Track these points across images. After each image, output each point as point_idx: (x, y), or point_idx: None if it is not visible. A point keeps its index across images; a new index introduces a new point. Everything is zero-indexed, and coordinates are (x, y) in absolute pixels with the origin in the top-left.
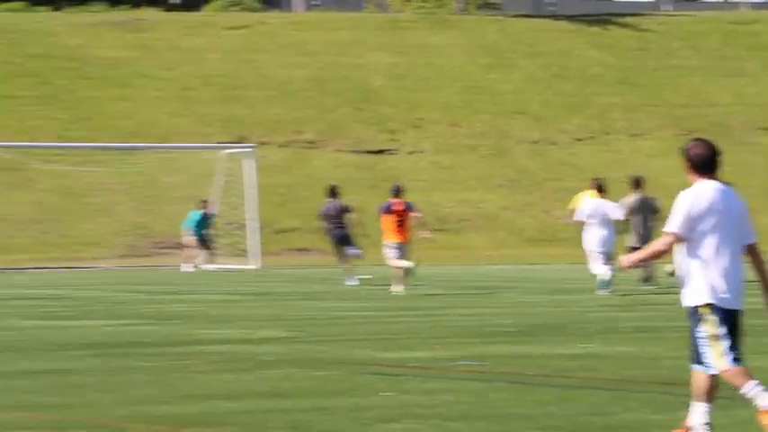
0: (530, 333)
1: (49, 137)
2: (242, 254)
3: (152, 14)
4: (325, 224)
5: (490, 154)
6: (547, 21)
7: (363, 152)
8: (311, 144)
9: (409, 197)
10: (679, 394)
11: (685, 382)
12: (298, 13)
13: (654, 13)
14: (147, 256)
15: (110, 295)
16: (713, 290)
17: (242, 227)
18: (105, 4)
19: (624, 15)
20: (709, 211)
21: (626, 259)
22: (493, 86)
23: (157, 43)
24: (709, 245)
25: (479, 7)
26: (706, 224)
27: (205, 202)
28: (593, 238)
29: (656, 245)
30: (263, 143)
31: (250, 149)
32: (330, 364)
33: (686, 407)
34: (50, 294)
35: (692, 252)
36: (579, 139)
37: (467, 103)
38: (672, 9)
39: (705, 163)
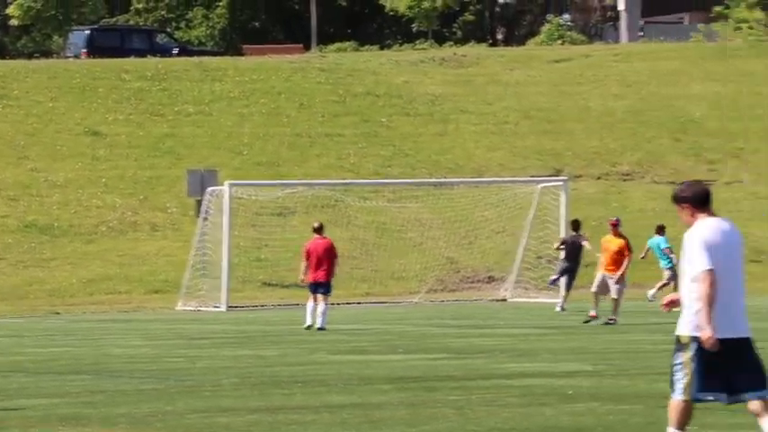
0: None
1: (367, 174)
2: (551, 288)
3: (476, 50)
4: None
5: None
6: None
7: (680, 183)
8: (627, 176)
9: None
10: None
11: None
12: (622, 44)
13: None
14: (455, 290)
15: (417, 330)
16: (716, 322)
17: (553, 260)
18: (431, 41)
19: None
20: (716, 245)
21: (706, 331)
22: None
23: (479, 78)
24: (719, 277)
25: None
26: (715, 258)
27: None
28: None
29: (704, 290)
30: (578, 176)
31: (561, 182)
32: (632, 398)
33: None
34: (359, 329)
35: (693, 284)
36: None
37: None
38: None
39: (704, 200)
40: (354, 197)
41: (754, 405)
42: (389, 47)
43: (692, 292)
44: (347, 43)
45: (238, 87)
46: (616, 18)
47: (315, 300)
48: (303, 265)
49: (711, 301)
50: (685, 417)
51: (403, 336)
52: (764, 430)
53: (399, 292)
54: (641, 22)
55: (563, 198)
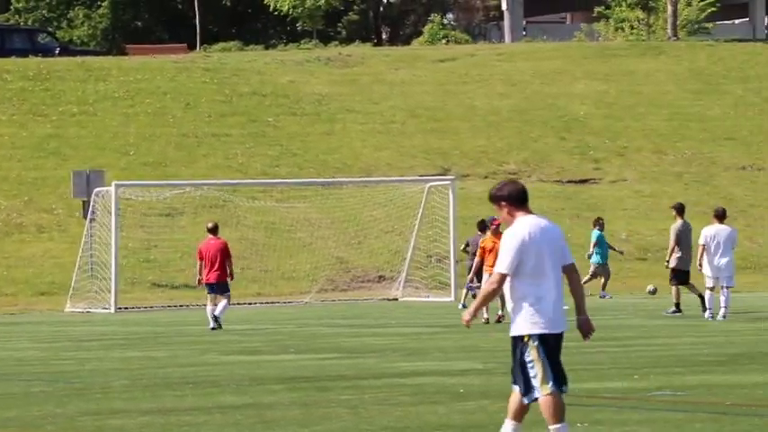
0: (731, 362)
1: (255, 174)
2: (442, 286)
3: (361, 50)
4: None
5: (695, 181)
6: (761, 44)
7: (566, 182)
8: (513, 175)
9: (612, 226)
10: None
11: None
12: (506, 43)
13: None
14: (345, 290)
15: (308, 330)
16: (540, 318)
17: (443, 259)
18: (316, 41)
19: None
20: (532, 243)
21: (467, 314)
22: (701, 113)
23: (364, 78)
24: (539, 274)
25: (691, 33)
26: (531, 256)
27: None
28: None
29: (488, 286)
30: (466, 175)
31: (449, 182)
32: None
33: None
34: (250, 329)
35: (518, 284)
36: None
37: (673, 130)
38: None
39: (522, 198)
40: (243, 197)
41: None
42: (274, 46)
43: (513, 290)
44: (232, 43)
45: (123, 87)
46: (499, 18)
47: (213, 301)
48: (198, 265)
49: (487, 301)
50: (559, 408)
51: (294, 336)
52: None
53: (290, 293)
54: (524, 22)
55: (451, 197)
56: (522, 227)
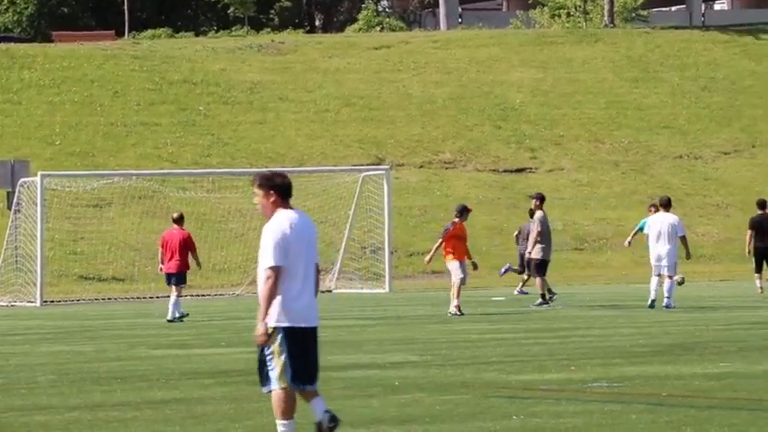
0: (667, 353)
1: (186, 163)
2: (376, 277)
3: (294, 37)
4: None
5: (632, 170)
6: (697, 32)
7: (502, 171)
8: (449, 164)
9: (549, 215)
10: None
11: None
12: (441, 31)
13: None
14: None
15: (240, 322)
16: (291, 312)
17: (377, 250)
18: (247, 28)
19: None
20: (294, 238)
21: (259, 328)
22: (638, 101)
23: (298, 66)
24: (294, 269)
25: (627, 20)
26: (293, 251)
27: None
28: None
29: (265, 284)
30: (401, 164)
31: (384, 171)
32: (460, 388)
33: None
34: (180, 323)
35: (281, 278)
36: (725, 153)
37: (610, 119)
38: None
39: (289, 192)
40: (172, 188)
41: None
42: (205, 33)
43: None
44: (161, 30)
45: (48, 75)
46: (435, 5)
47: (175, 291)
48: (159, 254)
49: (272, 297)
50: (289, 405)
51: (225, 329)
52: (316, 409)
53: (221, 285)
54: (460, 9)
55: (386, 187)
56: (283, 220)
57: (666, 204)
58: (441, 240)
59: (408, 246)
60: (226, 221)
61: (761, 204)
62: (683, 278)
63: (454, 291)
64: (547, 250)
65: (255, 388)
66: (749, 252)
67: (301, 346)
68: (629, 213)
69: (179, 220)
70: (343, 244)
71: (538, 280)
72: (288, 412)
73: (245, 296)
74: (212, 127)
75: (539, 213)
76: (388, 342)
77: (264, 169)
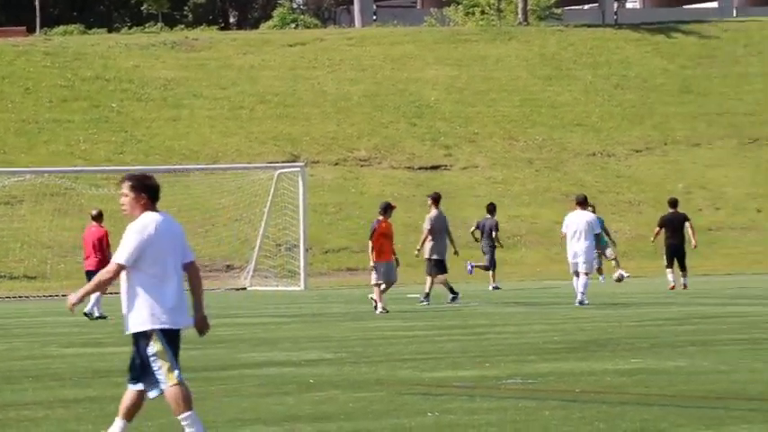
0: (580, 349)
1: (99, 161)
2: (291, 275)
3: (208, 34)
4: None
5: (546, 167)
6: (610, 30)
7: (417, 168)
8: (364, 161)
9: (463, 213)
10: (731, 408)
11: (738, 397)
12: (356, 28)
13: (719, 20)
14: None
15: None
16: (164, 314)
17: (292, 248)
18: (161, 25)
19: (689, 23)
20: (158, 240)
21: (72, 296)
22: (552, 98)
23: (212, 62)
24: (162, 272)
25: (541, 18)
26: (154, 252)
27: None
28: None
29: (103, 274)
30: (316, 162)
31: (299, 168)
32: (374, 386)
33: (739, 421)
34: (93, 321)
35: (138, 279)
36: (638, 151)
37: (524, 116)
38: (737, 15)
39: (158, 196)
40: (85, 185)
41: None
42: (118, 30)
43: (133, 284)
44: (73, 26)
45: None
46: (349, 2)
47: None
48: (83, 251)
49: (99, 288)
50: (187, 396)
51: None
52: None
53: None
54: (374, 7)
55: (301, 184)
56: (148, 221)
57: (583, 202)
58: (371, 240)
59: (323, 243)
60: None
61: (672, 203)
62: (622, 275)
63: (377, 292)
64: (438, 248)
65: None
66: (653, 241)
67: (176, 345)
68: (542, 211)
69: (97, 218)
70: (258, 241)
71: (440, 277)
72: (189, 403)
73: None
74: (126, 124)
75: (432, 212)
76: (302, 339)
77: (134, 169)
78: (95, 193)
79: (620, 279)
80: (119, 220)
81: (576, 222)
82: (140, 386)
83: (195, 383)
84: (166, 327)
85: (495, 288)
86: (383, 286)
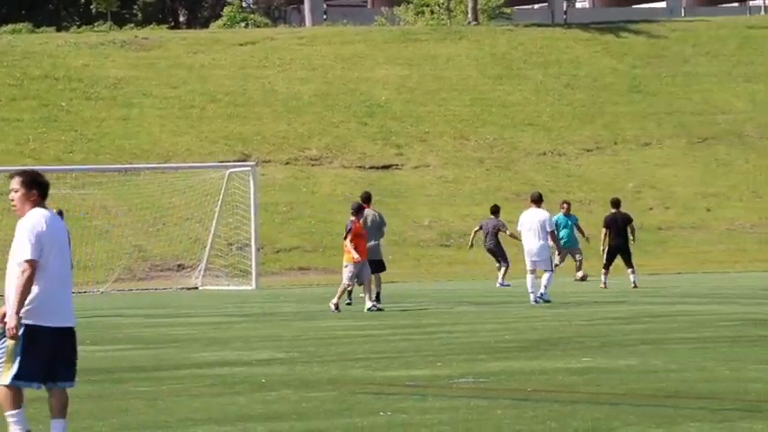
0: (532, 348)
1: (49, 160)
2: (243, 274)
3: (157, 33)
4: None
5: (497, 167)
6: (559, 30)
7: (368, 168)
8: (315, 160)
9: (415, 212)
10: (681, 407)
11: (687, 395)
12: (306, 28)
13: (668, 19)
14: (144, 279)
15: (105, 320)
16: (39, 310)
17: (243, 247)
18: (110, 23)
19: (638, 22)
20: (50, 236)
21: (10, 319)
22: (502, 98)
23: (162, 62)
24: (50, 267)
25: (491, 18)
26: (48, 249)
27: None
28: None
29: (22, 279)
30: (267, 161)
31: (250, 168)
32: (326, 385)
33: (688, 420)
34: None
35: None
36: (588, 150)
37: (475, 116)
38: (685, 15)
39: (47, 193)
40: None
41: (59, 394)
42: (67, 29)
43: (10, 277)
44: (21, 25)
45: None
46: (299, 1)
47: None
48: None
49: (28, 291)
50: (14, 401)
51: (90, 327)
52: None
53: (85, 282)
54: (324, 6)
55: (252, 184)
56: (40, 218)
57: (537, 200)
58: (349, 240)
59: (275, 242)
60: (90, 218)
61: (614, 203)
62: (586, 276)
63: (343, 290)
64: (372, 249)
65: (121, 386)
66: (603, 250)
67: (41, 346)
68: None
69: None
70: (209, 241)
71: (374, 276)
72: (10, 405)
73: (111, 293)
74: (75, 123)
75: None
76: (254, 339)
77: (27, 167)
78: None
79: (584, 279)
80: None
81: (530, 221)
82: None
83: (146, 383)
84: (39, 324)
85: (505, 285)
86: (350, 287)
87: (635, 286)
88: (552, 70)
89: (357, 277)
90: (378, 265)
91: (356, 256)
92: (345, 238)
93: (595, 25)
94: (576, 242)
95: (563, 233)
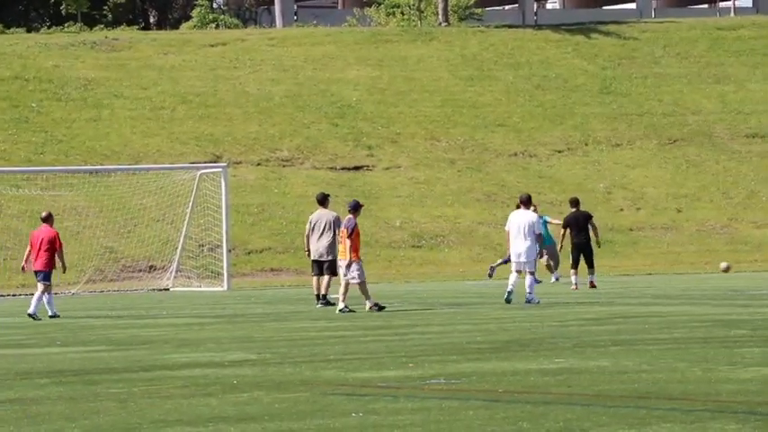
0: (503, 349)
1: (19, 161)
2: (214, 276)
3: (128, 34)
4: None
5: (468, 168)
6: (530, 31)
7: (340, 169)
8: (287, 161)
9: (386, 213)
10: (653, 408)
11: (659, 396)
12: (277, 29)
13: (638, 21)
14: (115, 280)
15: (76, 321)
16: None
17: (215, 248)
18: (80, 24)
19: (608, 24)
20: None
21: None
22: (473, 99)
23: (132, 63)
24: None
25: (462, 19)
26: None
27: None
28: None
29: None
30: (238, 162)
31: (221, 169)
32: (298, 386)
33: (660, 420)
34: (14, 322)
35: None
36: (559, 151)
37: (446, 117)
38: (655, 16)
39: None
40: (6, 185)
41: None
42: (37, 30)
43: None
44: None
45: None
46: (270, 2)
47: (40, 289)
48: (26, 252)
49: None
50: None
51: (61, 328)
52: None
53: (57, 283)
54: (295, 7)
55: (223, 185)
56: None
57: (526, 202)
58: (353, 238)
59: (246, 243)
60: (61, 220)
61: (573, 202)
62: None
63: (343, 289)
64: (318, 249)
65: (92, 387)
66: (561, 248)
67: None
68: (465, 211)
69: (47, 219)
70: (181, 242)
71: (328, 278)
72: None
73: (82, 295)
74: (46, 124)
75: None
76: (226, 340)
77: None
78: (15, 193)
79: (556, 279)
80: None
81: (518, 222)
82: None
83: (118, 385)
84: None
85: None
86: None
87: (592, 285)
88: (523, 71)
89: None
90: (331, 266)
91: (351, 254)
92: (350, 236)
93: (566, 26)
94: (551, 240)
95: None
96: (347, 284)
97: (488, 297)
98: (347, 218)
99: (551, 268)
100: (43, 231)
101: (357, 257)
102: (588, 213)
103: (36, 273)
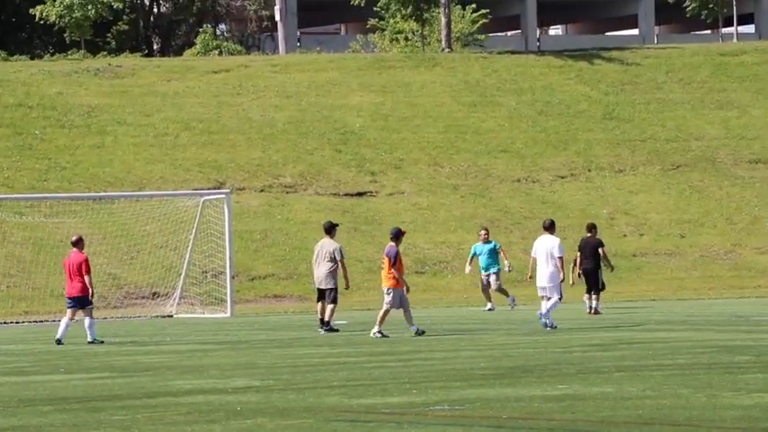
0: (508, 375)
1: (22, 188)
2: (217, 302)
3: (131, 61)
4: None
5: (471, 194)
6: (532, 57)
7: (343, 195)
8: (290, 188)
9: (388, 240)
10: None
11: (663, 422)
12: (280, 55)
13: (641, 46)
14: (118, 307)
15: (79, 348)
16: None
17: (218, 275)
18: (84, 51)
19: (611, 50)
20: None
21: None
22: (476, 125)
23: (136, 89)
24: None
25: (465, 45)
26: None
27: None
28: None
29: None
30: (241, 188)
31: (224, 195)
32: (302, 412)
33: None
34: (17, 350)
35: None
36: (562, 177)
37: (449, 143)
38: (658, 42)
39: None
40: (9, 212)
41: None
42: (41, 57)
43: None
44: None
45: None
46: (273, 28)
47: (70, 315)
48: (66, 281)
49: None
50: None
51: (65, 355)
52: None
53: (59, 311)
54: (298, 33)
55: (226, 211)
56: None
57: (549, 227)
58: (396, 264)
59: (250, 270)
60: (64, 246)
61: (589, 228)
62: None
63: (383, 315)
64: (318, 277)
65: (95, 414)
66: (573, 271)
67: None
68: (468, 236)
69: (77, 243)
70: (184, 268)
71: (331, 306)
72: None
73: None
74: (49, 151)
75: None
76: (229, 367)
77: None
78: (19, 220)
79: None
80: (42, 247)
81: (543, 248)
82: None
83: (121, 412)
84: None
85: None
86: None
87: (595, 311)
88: (526, 97)
89: (400, 301)
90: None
91: (399, 281)
92: (393, 264)
93: (569, 53)
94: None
95: (482, 259)
96: (386, 311)
97: (492, 323)
98: (389, 245)
99: (505, 292)
100: (73, 257)
101: (396, 284)
102: (599, 241)
103: (70, 299)
